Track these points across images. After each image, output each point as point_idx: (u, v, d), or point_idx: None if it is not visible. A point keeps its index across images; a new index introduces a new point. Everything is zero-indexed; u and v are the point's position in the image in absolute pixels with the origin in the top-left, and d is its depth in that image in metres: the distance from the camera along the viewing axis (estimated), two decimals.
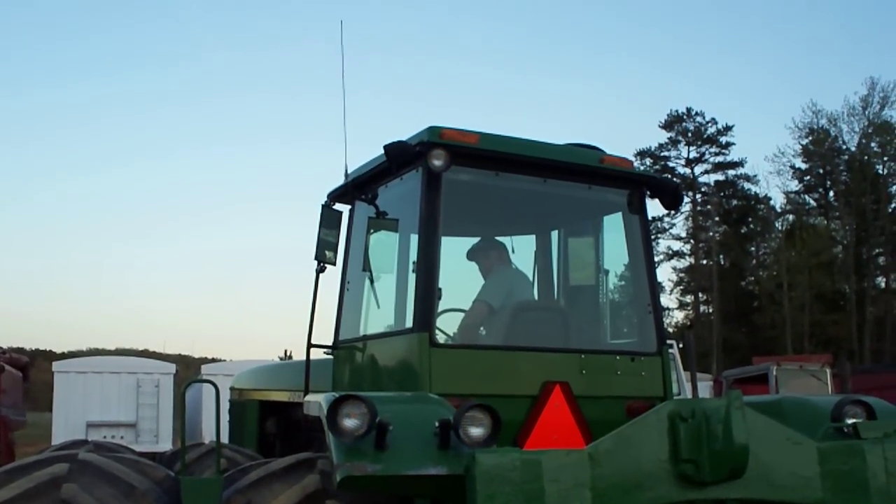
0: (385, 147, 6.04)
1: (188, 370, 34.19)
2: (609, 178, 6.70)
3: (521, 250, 7.31)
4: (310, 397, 5.50)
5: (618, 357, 6.43)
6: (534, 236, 7.58)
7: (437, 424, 4.21)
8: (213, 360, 34.93)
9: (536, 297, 7.16)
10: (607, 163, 6.66)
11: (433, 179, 5.96)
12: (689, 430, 4.13)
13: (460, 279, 6.87)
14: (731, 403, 4.02)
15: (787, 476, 4.22)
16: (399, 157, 6.03)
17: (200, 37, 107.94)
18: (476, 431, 4.25)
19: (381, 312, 6.60)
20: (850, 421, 4.98)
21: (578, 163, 6.58)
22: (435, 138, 5.97)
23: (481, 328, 6.67)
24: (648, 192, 6.85)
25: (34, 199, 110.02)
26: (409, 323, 5.97)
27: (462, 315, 6.68)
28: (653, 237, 55.89)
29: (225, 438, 8.85)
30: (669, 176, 68.08)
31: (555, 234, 7.48)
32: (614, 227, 6.94)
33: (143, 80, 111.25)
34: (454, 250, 6.99)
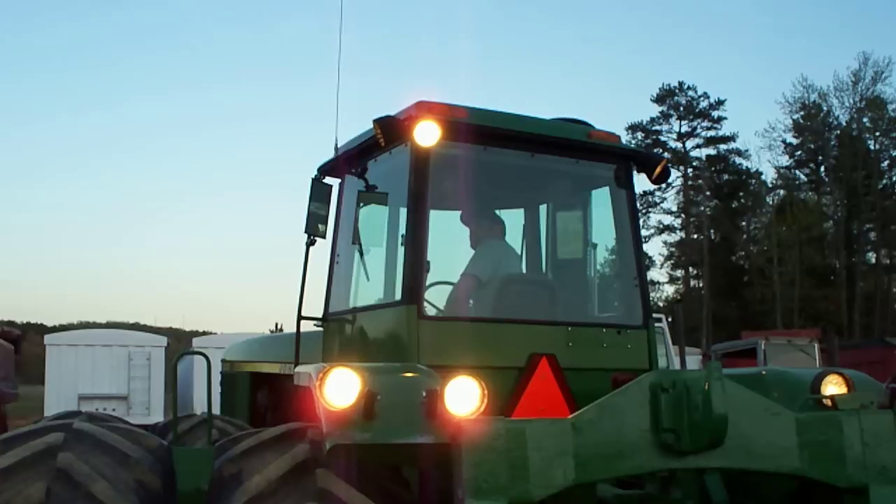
0: (374, 121, 6.07)
1: (179, 343, 34.29)
2: (596, 152, 6.74)
3: (510, 224, 7.35)
4: (300, 368, 5.56)
5: (604, 330, 6.50)
6: (522, 210, 7.63)
7: (424, 394, 4.29)
8: (205, 334, 35.04)
9: (525, 271, 7.21)
10: (594, 137, 6.70)
11: (421, 154, 6.01)
12: (670, 400, 4.22)
13: (449, 252, 6.92)
14: (710, 374, 4.10)
15: (765, 446, 4.30)
16: (388, 132, 6.06)
17: (192, 17, 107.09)
18: (462, 401, 4.32)
19: (370, 285, 6.64)
20: (828, 392, 5.06)
21: (566, 137, 6.61)
22: (423, 113, 6.01)
23: (469, 300, 6.74)
24: (636, 167, 6.89)
25: (26, 176, 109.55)
26: (397, 295, 6.03)
27: (451, 287, 6.74)
28: (644, 211, 55.91)
29: (217, 410, 8.96)
30: (661, 150, 68.14)
31: (543, 209, 7.53)
32: (602, 202, 6.98)
33: (137, 61, 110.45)
34: (443, 224, 7.03)
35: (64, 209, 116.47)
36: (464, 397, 4.34)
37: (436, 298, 6.60)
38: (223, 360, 9.62)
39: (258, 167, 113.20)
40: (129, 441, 5.18)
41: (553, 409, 5.79)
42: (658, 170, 6.85)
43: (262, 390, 8.41)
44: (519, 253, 7.23)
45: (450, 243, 7.11)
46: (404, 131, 6.04)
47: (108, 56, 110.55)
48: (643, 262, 6.90)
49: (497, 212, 7.30)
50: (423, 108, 6.05)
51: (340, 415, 4.20)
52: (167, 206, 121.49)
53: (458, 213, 7.42)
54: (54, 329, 42.85)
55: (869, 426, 4.45)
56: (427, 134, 5.88)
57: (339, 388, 4.22)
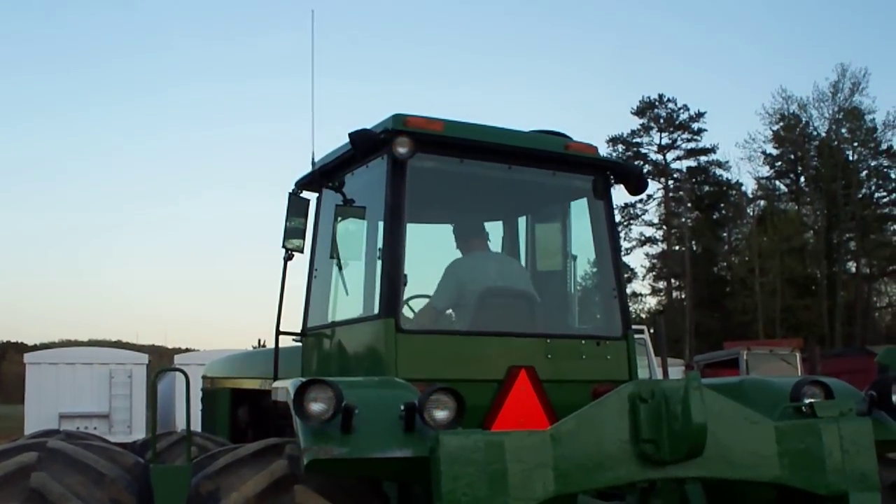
0: (350, 135, 6.08)
1: (161, 360, 34.10)
2: (574, 164, 6.76)
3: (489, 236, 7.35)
4: (278, 383, 5.54)
5: (583, 341, 6.49)
6: (501, 223, 7.63)
7: (402, 408, 4.27)
8: (187, 351, 34.86)
9: (503, 283, 7.22)
10: (572, 149, 6.72)
11: (398, 167, 6.01)
12: (649, 410, 4.22)
13: (428, 265, 6.92)
14: (689, 384, 4.10)
15: (745, 455, 4.31)
16: (364, 145, 6.09)
17: (168, 25, 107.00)
18: (441, 414, 4.29)
19: (348, 299, 6.62)
20: (807, 401, 5.08)
21: (543, 149, 6.63)
22: (400, 126, 6.02)
23: (448, 313, 6.73)
24: (613, 178, 6.91)
25: (4, 192, 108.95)
26: (375, 309, 6.02)
27: (429, 301, 6.73)
28: (625, 223, 55.93)
29: (198, 427, 8.92)
30: (642, 162, 68.40)
31: (521, 221, 7.55)
32: (580, 213, 7.00)
33: (113, 67, 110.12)
34: (421, 237, 7.02)
35: (43, 226, 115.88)
36: (442, 410, 4.32)
37: (415, 312, 6.60)
38: (204, 377, 9.58)
39: (241, 177, 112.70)
40: (104, 459, 5.14)
41: (533, 422, 5.78)
42: (635, 180, 6.86)
43: (243, 406, 8.38)
44: (503, 264, 7.20)
45: (429, 256, 7.12)
46: (380, 144, 6.06)
47: (91, 62, 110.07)
48: (622, 274, 6.91)
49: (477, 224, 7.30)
50: (399, 121, 6.06)
51: (317, 429, 4.18)
52: (148, 223, 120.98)
53: (437, 225, 7.43)
54: (35, 348, 42.54)
55: (848, 433, 4.48)
56: (403, 147, 5.89)
57: (316, 402, 4.20)
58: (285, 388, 4.77)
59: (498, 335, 6.22)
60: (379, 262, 6.07)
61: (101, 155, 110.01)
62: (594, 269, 7.13)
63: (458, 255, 6.99)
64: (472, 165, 6.45)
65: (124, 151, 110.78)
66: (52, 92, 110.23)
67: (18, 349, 42.05)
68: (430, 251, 7.20)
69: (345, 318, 6.61)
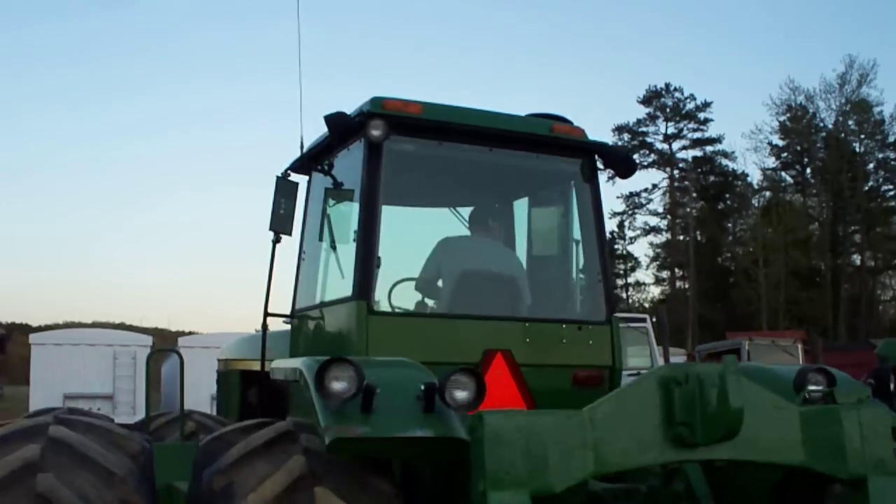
0: (325, 117, 6.10)
1: (165, 343, 34.04)
2: (559, 146, 6.68)
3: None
4: (281, 362, 5.53)
5: (564, 326, 6.41)
6: (484, 206, 7.54)
7: (422, 388, 4.25)
8: (190, 334, 34.90)
9: (482, 266, 7.15)
10: (557, 132, 6.63)
11: (373, 149, 6.01)
12: (683, 394, 4.27)
13: (409, 248, 6.93)
14: (726, 369, 4.17)
15: (773, 440, 4.37)
16: (339, 128, 6.12)
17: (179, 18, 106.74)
18: (461, 395, 4.29)
19: (332, 281, 6.65)
20: (811, 388, 5.11)
21: (526, 132, 6.57)
22: (377, 109, 6.03)
23: (424, 296, 6.72)
24: (601, 162, 6.83)
25: (7, 175, 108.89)
26: (349, 291, 6.04)
27: (411, 284, 6.71)
28: (630, 212, 55.85)
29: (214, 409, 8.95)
30: (647, 152, 68.38)
31: (505, 204, 7.50)
32: (565, 196, 6.96)
33: (114, 62, 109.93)
34: (402, 220, 7.11)
35: (48, 208, 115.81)
36: (462, 390, 4.32)
37: (397, 295, 6.62)
38: (218, 360, 9.61)
39: (250, 166, 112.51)
40: (111, 452, 4.95)
41: (509, 406, 5.71)
42: (623, 163, 6.81)
43: (252, 387, 8.40)
44: (487, 247, 7.13)
45: (409, 239, 7.14)
46: (355, 127, 6.10)
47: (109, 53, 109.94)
48: (607, 258, 6.83)
49: (459, 207, 7.31)
50: (377, 104, 6.08)
51: (337, 408, 4.16)
52: (149, 206, 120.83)
53: (419, 209, 7.54)
54: (39, 329, 42.52)
55: (867, 420, 4.54)
56: (376, 130, 5.89)
57: (338, 381, 4.18)
58: (293, 367, 4.76)
59: (475, 318, 6.19)
60: (354, 245, 6.10)
61: (106, 139, 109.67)
62: (579, 253, 7.00)
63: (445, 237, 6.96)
64: (452, 148, 6.43)
65: (132, 137, 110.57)
66: (72, 84, 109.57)
67: (23, 330, 42.06)
68: (417, 234, 7.20)
69: (326, 301, 6.64)
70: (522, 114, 6.84)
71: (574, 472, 4.00)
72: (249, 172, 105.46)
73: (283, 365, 5.46)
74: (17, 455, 4.59)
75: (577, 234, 6.89)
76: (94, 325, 40.10)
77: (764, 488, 5.32)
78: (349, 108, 6.26)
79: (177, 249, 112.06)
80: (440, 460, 4.36)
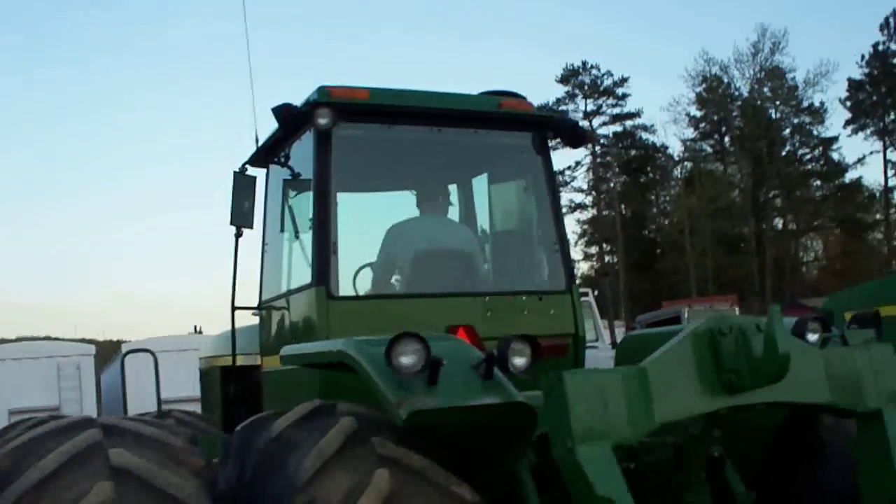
0: (273, 109, 6.17)
1: (106, 353, 33.50)
2: (508, 121, 6.75)
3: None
4: (293, 348, 5.51)
5: (524, 297, 6.48)
6: (438, 185, 7.49)
7: (482, 357, 4.32)
8: (126, 342, 34.33)
9: (438, 244, 7.10)
10: (506, 107, 6.70)
11: (322, 137, 6.08)
12: (729, 343, 4.48)
13: (368, 234, 7.00)
14: (772, 317, 4.36)
15: (805, 382, 4.61)
16: (287, 119, 6.20)
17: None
18: (520, 361, 4.40)
19: (293, 271, 6.73)
20: (811, 336, 5.36)
21: (474, 109, 6.65)
22: (323, 97, 6.08)
23: (383, 278, 6.80)
24: (551, 133, 6.91)
25: None
26: (309, 278, 6.11)
27: (369, 268, 6.79)
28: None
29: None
30: None
31: (458, 182, 7.57)
32: (519, 170, 7.06)
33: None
34: (360, 206, 7.26)
35: None
36: (520, 357, 4.42)
37: (358, 280, 6.69)
38: (200, 358, 9.57)
39: (184, 170, 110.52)
40: (165, 433, 4.83)
41: None
42: (571, 133, 6.88)
43: (234, 384, 8.36)
44: (439, 226, 7.14)
45: (365, 225, 7.20)
46: (302, 117, 6.16)
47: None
48: (563, 228, 6.90)
49: (415, 189, 7.33)
50: (324, 93, 6.14)
51: (403, 382, 4.19)
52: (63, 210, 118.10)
53: (373, 194, 7.67)
54: None
55: (878, 357, 4.82)
56: (323, 118, 5.96)
57: (406, 356, 4.21)
58: (340, 349, 4.74)
59: (434, 296, 6.29)
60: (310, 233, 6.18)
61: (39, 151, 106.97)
62: (535, 225, 7.12)
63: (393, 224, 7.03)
64: (401, 131, 6.51)
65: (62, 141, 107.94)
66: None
67: None
68: (377, 219, 7.20)
69: (289, 290, 6.69)
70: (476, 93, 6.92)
71: (647, 423, 4.19)
72: (183, 177, 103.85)
73: (297, 351, 5.44)
74: (80, 438, 4.41)
75: (533, 206, 6.99)
76: (19, 339, 39.18)
77: (768, 428, 5.62)
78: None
79: (104, 261, 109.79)
80: (502, 426, 4.41)
